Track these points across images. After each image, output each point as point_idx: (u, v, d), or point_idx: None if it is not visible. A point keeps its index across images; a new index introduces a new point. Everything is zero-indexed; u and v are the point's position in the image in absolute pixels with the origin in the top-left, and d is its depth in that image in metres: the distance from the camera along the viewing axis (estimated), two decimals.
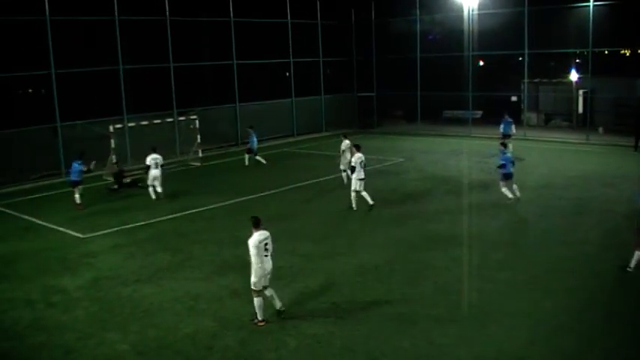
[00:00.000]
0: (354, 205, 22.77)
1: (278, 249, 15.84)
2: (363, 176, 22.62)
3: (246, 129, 33.57)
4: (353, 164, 22.73)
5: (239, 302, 14.43)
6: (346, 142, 26.59)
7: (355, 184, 22.60)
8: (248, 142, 32.83)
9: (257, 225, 13.33)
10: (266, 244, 13.22)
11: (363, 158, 22.84)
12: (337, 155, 27.61)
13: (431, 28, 47.16)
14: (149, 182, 25.64)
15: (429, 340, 12.12)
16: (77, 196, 24.29)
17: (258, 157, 32.15)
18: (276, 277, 15.89)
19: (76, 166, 24.21)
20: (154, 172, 25.40)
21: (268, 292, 13.50)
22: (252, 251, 13.06)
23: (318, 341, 12.30)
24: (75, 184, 24.31)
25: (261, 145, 35.00)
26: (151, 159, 25.43)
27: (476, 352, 11.62)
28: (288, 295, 14.72)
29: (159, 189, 25.60)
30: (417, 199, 24.13)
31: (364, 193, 22.66)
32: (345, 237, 19.40)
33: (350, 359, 11.65)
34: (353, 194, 22.71)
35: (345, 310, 13.71)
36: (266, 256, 13.23)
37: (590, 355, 11.55)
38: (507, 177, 22.84)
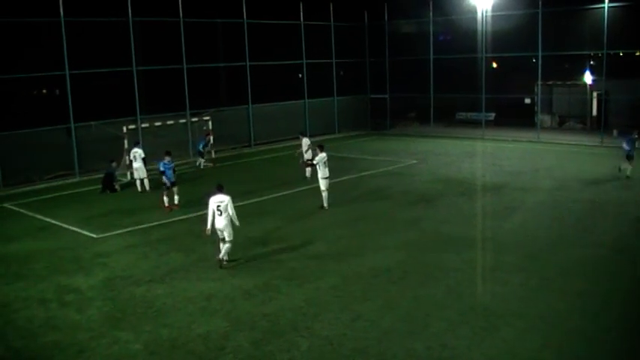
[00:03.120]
0: (325, 205, 23.12)
1: (290, 249, 16.20)
2: (327, 175, 23.05)
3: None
4: (315, 162, 23.20)
5: (251, 303, 14.45)
6: (305, 140, 27.07)
7: (322, 184, 23.04)
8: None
9: (218, 190, 17.06)
10: (218, 206, 16.68)
11: (326, 158, 23.18)
12: (297, 153, 28.98)
13: (444, 29, 47.05)
14: (135, 176, 27.15)
15: (442, 343, 12.08)
16: (175, 197, 24.01)
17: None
18: (288, 277, 16.00)
19: (165, 164, 23.65)
20: (135, 165, 27.06)
21: (222, 245, 16.93)
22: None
23: (331, 343, 12.28)
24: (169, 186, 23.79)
25: (274, 147, 35.08)
26: (132, 153, 27.14)
27: (489, 355, 11.57)
28: (300, 296, 14.74)
29: (145, 182, 26.99)
30: (429, 201, 24.09)
31: (325, 195, 23.07)
32: (357, 238, 19.38)
33: None
34: (324, 194, 23.04)
35: (356, 312, 13.69)
36: (220, 215, 16.69)
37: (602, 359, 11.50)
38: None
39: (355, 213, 22.62)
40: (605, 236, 19.00)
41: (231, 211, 16.81)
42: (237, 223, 17.06)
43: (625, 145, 27.53)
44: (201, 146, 33.12)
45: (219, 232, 16.96)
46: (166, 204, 23.75)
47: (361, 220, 21.73)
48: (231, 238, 17.03)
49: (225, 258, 17.15)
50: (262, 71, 40.89)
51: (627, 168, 27.31)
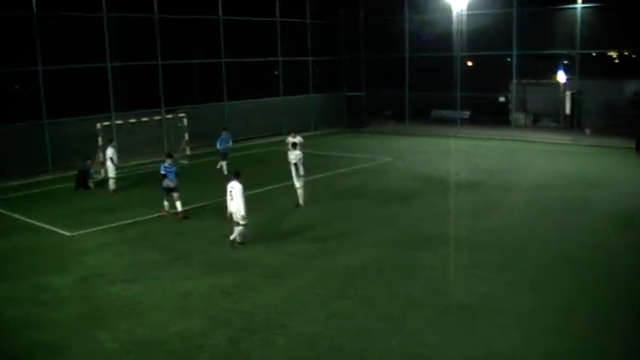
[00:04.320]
0: (301, 202, 23.17)
1: (267, 247, 16.49)
2: (303, 173, 23.13)
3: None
4: (293, 161, 23.27)
5: (228, 300, 14.44)
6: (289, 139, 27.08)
7: (297, 181, 23.13)
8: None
9: (235, 177, 18.60)
10: (230, 191, 18.18)
11: (301, 156, 23.28)
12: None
13: (421, 27, 47.16)
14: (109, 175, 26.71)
15: (418, 340, 12.15)
16: (177, 204, 22.21)
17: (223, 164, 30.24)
18: (266, 275, 16.01)
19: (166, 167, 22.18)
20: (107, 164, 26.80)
21: (235, 228, 18.24)
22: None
23: (307, 340, 12.31)
24: (169, 190, 22.24)
25: (250, 144, 35.00)
26: (107, 151, 26.78)
27: (465, 352, 11.65)
28: (277, 294, 14.76)
29: (111, 182, 26.66)
30: (405, 199, 24.18)
31: (300, 192, 23.14)
32: (334, 236, 19.40)
33: (338, 359, 11.67)
34: (300, 192, 23.13)
35: (333, 310, 13.73)
36: (231, 199, 18.12)
37: (582, 356, 11.59)
38: None
39: (332, 210, 22.67)
40: (581, 234, 19.20)
41: (241, 198, 18.01)
42: (242, 212, 18.04)
43: None
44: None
45: (233, 215, 18.24)
46: (167, 210, 22.45)
47: (337, 217, 21.77)
48: (245, 222, 18.15)
49: (238, 240, 18.31)
50: (238, 68, 40.78)
51: None
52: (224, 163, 29.71)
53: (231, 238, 18.27)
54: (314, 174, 26.65)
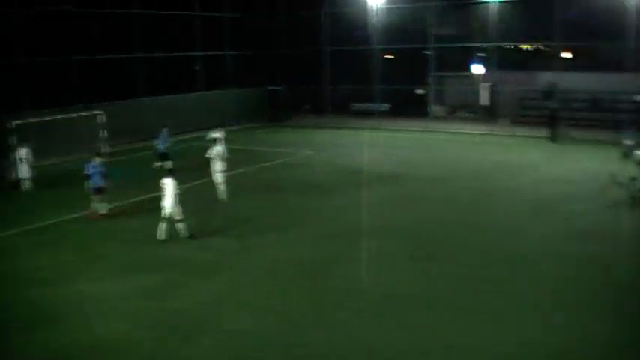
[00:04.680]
0: (223, 198, 23.06)
1: (190, 244, 16.48)
2: (224, 168, 23.14)
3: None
4: (211, 156, 23.22)
5: (152, 300, 14.21)
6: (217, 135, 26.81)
7: (218, 177, 23.03)
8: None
9: (168, 174, 18.84)
10: (164, 188, 18.25)
11: (222, 152, 23.32)
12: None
13: (341, 21, 47.36)
14: (20, 176, 26.12)
15: (345, 331, 12.24)
16: (101, 205, 21.54)
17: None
18: (190, 273, 15.86)
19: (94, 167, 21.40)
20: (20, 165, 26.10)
21: (177, 226, 18.32)
22: None
23: (235, 337, 12.28)
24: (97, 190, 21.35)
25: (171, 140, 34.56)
26: (20, 151, 26.14)
27: (389, 340, 11.77)
28: (202, 291, 14.66)
29: (27, 183, 26.02)
30: (328, 192, 24.33)
31: (222, 188, 23.02)
32: (257, 231, 19.36)
33: (266, 354, 11.69)
34: (221, 187, 23.01)
35: (260, 305, 13.73)
36: (165, 196, 18.21)
37: (503, 337, 11.89)
38: None
39: (255, 205, 22.63)
40: (494, 221, 19.75)
41: (172, 196, 18.23)
42: (176, 208, 18.32)
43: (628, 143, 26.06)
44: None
45: (164, 211, 18.36)
46: (93, 210, 21.60)
47: (261, 212, 21.74)
48: (181, 217, 18.38)
49: (186, 234, 18.49)
50: (157, 64, 40.16)
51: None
52: (169, 163, 28.60)
53: (184, 235, 18.43)
54: (236, 169, 26.53)
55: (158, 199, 18.71)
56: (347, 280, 15.11)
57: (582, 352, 11.28)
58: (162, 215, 18.27)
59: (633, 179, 22.03)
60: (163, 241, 18.12)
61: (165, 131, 29.53)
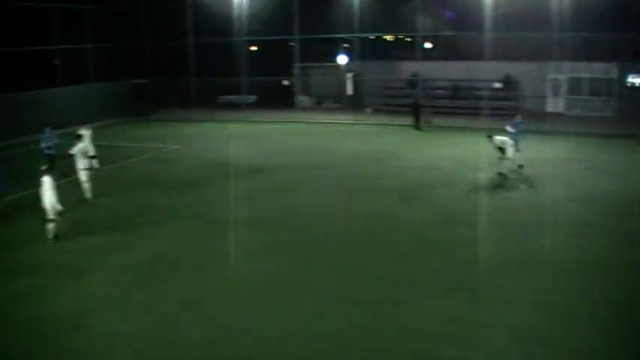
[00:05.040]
0: (88, 196, 22.17)
1: (59, 246, 16.46)
2: (87, 166, 22.42)
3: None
4: (73, 153, 22.34)
5: (16, 306, 13.53)
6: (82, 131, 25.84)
7: (82, 174, 22.18)
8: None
9: (45, 171, 17.89)
10: (41, 186, 17.45)
11: (86, 148, 22.85)
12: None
13: (205, 12, 46.83)
14: None
15: (219, 324, 12.09)
16: None
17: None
18: (54, 275, 15.17)
19: None
20: None
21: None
22: None
23: (107, 339, 11.88)
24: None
25: (28, 139, 33.04)
26: None
27: (262, 330, 11.75)
28: (70, 294, 14.05)
29: None
30: (196, 186, 23.98)
31: (87, 186, 22.13)
32: (125, 229, 18.76)
33: (142, 356, 11.38)
34: (86, 185, 22.20)
35: (133, 304, 13.35)
36: (43, 194, 17.41)
37: (372, 328, 12.08)
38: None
39: (123, 202, 21.96)
40: (364, 208, 20.06)
41: (48, 193, 17.44)
42: (54, 205, 17.46)
43: (510, 129, 25.97)
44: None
45: (46, 210, 17.61)
46: None
47: (130, 209, 21.12)
48: (54, 217, 17.49)
49: (51, 235, 17.58)
50: (10, 58, 38.27)
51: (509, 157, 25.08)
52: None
53: (51, 235, 17.59)
54: (102, 165, 25.76)
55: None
56: (219, 272, 14.95)
57: (443, 330, 11.57)
58: (47, 215, 17.46)
59: (502, 159, 23.88)
60: (53, 240, 17.35)
61: (48, 130, 27.84)
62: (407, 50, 50.26)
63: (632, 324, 11.61)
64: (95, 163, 24.99)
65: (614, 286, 13.51)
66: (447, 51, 52.34)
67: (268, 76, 46.31)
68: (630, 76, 45.51)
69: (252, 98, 46.86)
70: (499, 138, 24.11)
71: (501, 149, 23.89)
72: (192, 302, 13.31)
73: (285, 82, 49.68)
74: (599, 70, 46.79)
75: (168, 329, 12.10)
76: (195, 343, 11.53)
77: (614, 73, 46.37)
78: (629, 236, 17.04)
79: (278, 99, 47.13)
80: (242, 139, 34.80)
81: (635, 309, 12.26)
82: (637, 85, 45.84)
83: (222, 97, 49.55)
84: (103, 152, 27.38)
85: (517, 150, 24.78)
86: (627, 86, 45.26)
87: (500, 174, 23.88)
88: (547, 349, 10.64)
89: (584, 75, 46.83)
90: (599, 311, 12.17)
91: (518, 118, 26.59)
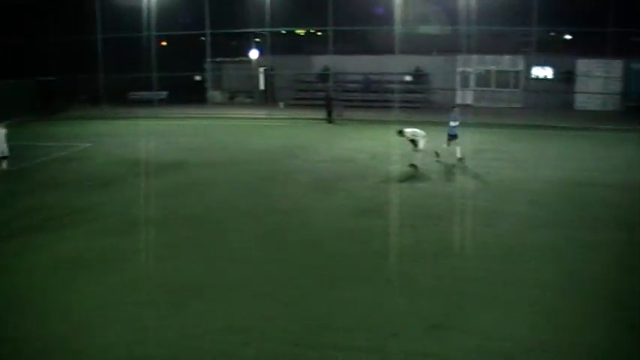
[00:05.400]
0: None
1: None
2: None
3: None
4: None
5: None
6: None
7: None
8: None
9: None
10: None
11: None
12: None
13: (114, 7, 45.90)
14: None
15: (135, 326, 11.81)
16: None
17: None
18: None
19: None
20: None
21: None
22: None
23: (14, 345, 11.49)
24: None
25: None
26: None
27: (181, 330, 11.57)
28: None
29: None
30: (108, 185, 23.42)
31: None
32: (36, 230, 18.11)
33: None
34: None
35: (44, 308, 12.94)
36: None
37: (294, 321, 12.06)
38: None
39: (32, 203, 21.20)
40: (279, 203, 20.05)
41: None
42: None
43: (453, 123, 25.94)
44: None
45: None
46: None
47: (38, 210, 20.43)
48: None
49: None
50: None
51: (453, 149, 25.82)
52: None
53: None
54: (9, 167, 24.97)
55: None
56: (129, 274, 14.60)
57: (356, 321, 11.65)
58: None
59: (414, 150, 24.32)
60: None
61: None
62: (319, 44, 50.49)
63: (543, 306, 11.95)
64: (4, 164, 24.25)
65: (524, 270, 13.88)
66: (359, 45, 52.82)
67: (180, 71, 45.79)
68: (535, 68, 46.97)
69: (163, 94, 46.28)
70: (409, 130, 24.52)
71: (413, 141, 24.30)
72: (105, 305, 12.97)
73: (197, 78, 49.23)
74: (506, 62, 48.15)
75: (80, 334, 11.78)
76: (111, 344, 11.28)
77: (520, 66, 47.82)
78: (538, 222, 17.58)
79: (190, 95, 46.68)
80: (155, 135, 34.29)
81: (546, 291, 12.63)
82: (542, 77, 47.39)
83: (133, 93, 48.78)
84: (10, 153, 26.48)
85: (451, 144, 25.50)
86: (533, 78, 46.70)
87: (412, 165, 24.27)
88: (462, 335, 10.83)
89: (492, 67, 48.10)
90: (511, 295, 12.48)
91: (455, 111, 26.44)
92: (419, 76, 48.71)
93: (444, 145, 25.81)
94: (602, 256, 14.88)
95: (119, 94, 47.34)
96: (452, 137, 25.71)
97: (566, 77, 47.38)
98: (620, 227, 17.23)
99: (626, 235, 16.55)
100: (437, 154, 25.74)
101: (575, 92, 46.96)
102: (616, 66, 45.72)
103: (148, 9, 43.70)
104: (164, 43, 49.94)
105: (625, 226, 17.39)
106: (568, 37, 56.15)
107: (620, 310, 11.73)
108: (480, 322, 11.33)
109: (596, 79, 46.25)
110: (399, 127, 25.04)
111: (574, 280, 13.34)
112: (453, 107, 27.31)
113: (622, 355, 10.20)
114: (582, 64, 46.68)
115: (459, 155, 25.56)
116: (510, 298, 12.35)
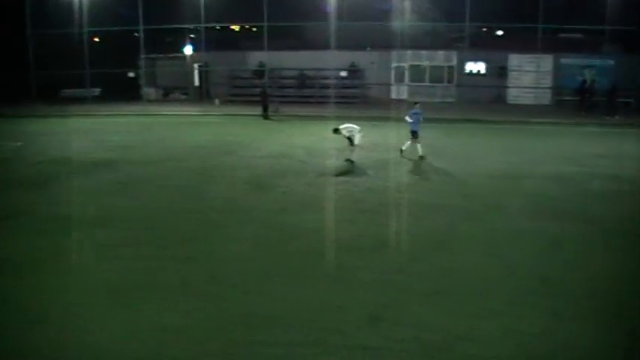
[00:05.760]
0: None
1: None
2: None
3: None
4: None
5: None
6: None
7: None
8: None
9: None
10: None
11: None
12: None
13: (45, 2, 44.91)
14: None
15: (72, 328, 11.61)
16: None
17: None
18: None
19: None
20: None
21: None
22: None
23: None
24: None
25: None
26: None
27: (117, 332, 11.39)
28: None
29: None
30: (40, 186, 22.86)
31: None
32: None
33: None
34: None
35: None
36: None
37: (229, 320, 12.02)
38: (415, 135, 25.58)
39: None
40: (215, 200, 19.92)
41: None
42: None
43: (408, 119, 25.94)
44: None
45: None
46: None
47: None
48: None
49: None
50: None
51: (415, 145, 25.86)
52: None
53: None
54: None
55: None
56: (58, 275, 14.24)
57: (294, 316, 11.68)
58: None
59: (352, 145, 24.62)
60: None
61: None
62: (254, 40, 50.38)
63: (476, 296, 12.16)
64: None
65: (459, 262, 14.09)
66: (295, 41, 52.90)
67: (113, 68, 45.13)
68: (469, 63, 47.78)
69: (97, 91, 45.57)
70: (345, 127, 24.68)
71: (350, 138, 24.47)
72: (32, 307, 12.65)
73: (131, 74, 48.60)
74: (439, 57, 48.79)
75: (9, 340, 11.49)
76: (37, 348, 11.04)
77: (453, 61, 48.54)
78: (472, 215, 17.91)
79: (124, 91, 46.03)
80: (88, 133, 33.72)
81: (479, 280, 12.86)
82: (475, 72, 48.23)
83: (66, 90, 47.89)
84: None
85: (417, 141, 25.64)
86: (466, 73, 47.49)
87: (348, 160, 24.42)
88: (399, 327, 10.94)
89: (426, 63, 48.70)
90: (446, 287, 12.66)
91: (417, 108, 26.27)
92: (354, 71, 49.02)
93: (408, 142, 25.97)
94: (536, 246, 15.25)
95: (52, 91, 46.41)
96: (414, 134, 25.73)
97: (498, 72, 48.38)
98: (554, 217, 17.68)
99: (558, 225, 16.98)
100: (401, 152, 25.92)
101: (508, 87, 47.93)
102: (546, 61, 46.82)
103: (80, 4, 42.89)
104: (97, 39, 49.15)
105: (558, 215, 17.86)
106: (500, 32, 57.33)
107: (551, 299, 12.02)
108: (417, 314, 11.46)
109: (528, 73, 47.29)
110: (334, 126, 25.15)
111: (508, 269, 13.63)
112: (415, 103, 27.04)
113: (550, 340, 10.45)
114: (514, 59, 47.70)
115: (420, 153, 25.64)
116: (445, 290, 12.53)
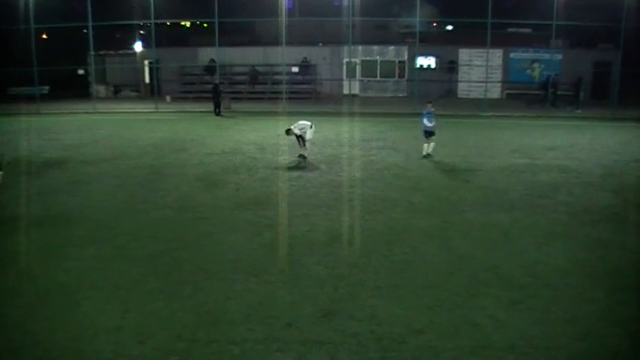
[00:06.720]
0: None
1: None
2: None
3: None
4: None
5: None
6: None
7: None
8: None
9: None
10: None
11: None
12: None
13: None
14: None
15: (21, 330, 11.46)
16: None
17: None
18: None
19: None
20: None
21: None
22: None
23: None
24: None
25: None
26: None
27: (72, 333, 11.29)
28: None
29: None
30: None
31: None
32: None
33: None
34: None
35: None
36: None
37: (191, 319, 11.97)
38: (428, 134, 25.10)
39: None
40: (169, 197, 19.78)
41: None
42: None
43: (427, 122, 25.20)
44: None
45: None
46: None
47: None
48: None
49: None
50: None
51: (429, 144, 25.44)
52: None
53: None
54: None
55: None
56: (14, 276, 14.07)
57: (248, 313, 11.68)
58: None
59: (303, 144, 24.68)
60: None
61: None
62: (205, 36, 50.10)
63: (432, 289, 12.31)
64: None
65: (413, 255, 14.25)
66: (246, 37, 52.74)
67: (62, 65, 44.46)
68: (419, 58, 48.16)
69: (45, 89, 44.86)
70: (295, 125, 24.70)
71: (301, 137, 24.51)
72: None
73: (80, 72, 47.93)
74: (390, 53, 49.12)
75: None
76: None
77: (404, 56, 48.92)
78: (423, 208, 18.13)
79: (73, 89, 45.38)
80: (37, 132, 33.16)
81: (433, 273, 13.02)
82: (426, 66, 48.65)
83: (12, 88, 47.06)
84: None
85: (431, 140, 25.25)
86: (417, 68, 47.88)
87: (301, 156, 24.49)
88: (355, 322, 11.02)
89: (377, 58, 48.99)
90: (400, 280, 12.80)
91: (429, 107, 25.47)
92: (306, 67, 49.08)
93: (426, 145, 25.48)
94: (488, 237, 15.50)
95: None
96: (428, 134, 25.22)
97: (449, 67, 48.90)
98: (505, 209, 17.99)
99: (508, 216, 17.29)
100: (427, 156, 25.30)
101: (458, 81, 48.48)
102: (496, 55, 47.46)
103: (27, 1, 42.13)
104: (45, 36, 48.34)
105: (508, 207, 18.19)
106: (450, 27, 57.91)
107: (505, 289, 12.24)
108: (372, 308, 11.56)
109: (478, 68, 47.87)
110: (286, 127, 25.18)
111: (462, 261, 13.84)
112: (428, 102, 25.96)
113: (504, 330, 10.64)
114: (464, 54, 48.29)
115: (429, 151, 25.33)
116: (400, 283, 12.66)
